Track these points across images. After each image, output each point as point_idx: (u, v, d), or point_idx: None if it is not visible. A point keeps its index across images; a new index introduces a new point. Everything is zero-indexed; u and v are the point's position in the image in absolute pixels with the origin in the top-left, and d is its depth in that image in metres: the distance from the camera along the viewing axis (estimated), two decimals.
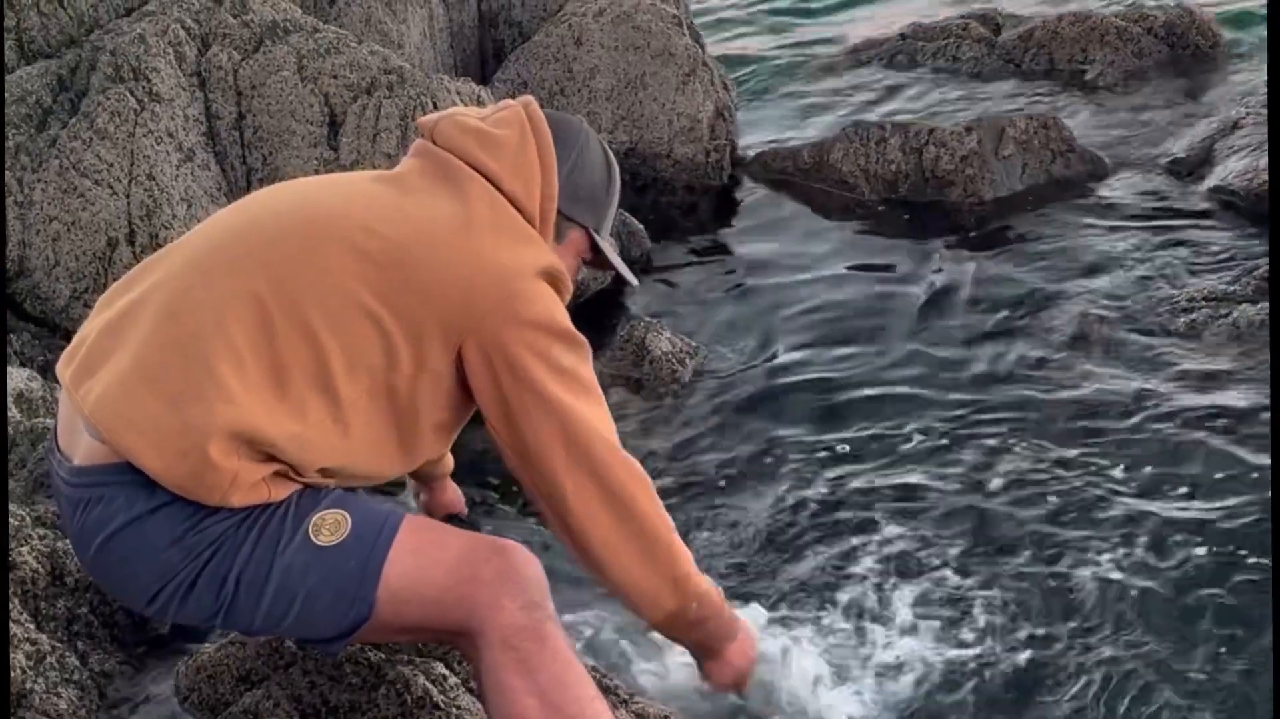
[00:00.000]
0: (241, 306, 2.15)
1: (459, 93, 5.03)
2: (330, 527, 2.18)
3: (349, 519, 2.19)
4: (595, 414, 2.30)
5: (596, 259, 2.54)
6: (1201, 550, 3.31)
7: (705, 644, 2.53)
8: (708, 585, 2.44)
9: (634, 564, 2.34)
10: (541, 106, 2.45)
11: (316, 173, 4.78)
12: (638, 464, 2.35)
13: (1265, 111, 5.90)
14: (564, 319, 2.28)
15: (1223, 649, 3.00)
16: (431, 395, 2.24)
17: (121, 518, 2.13)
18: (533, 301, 2.22)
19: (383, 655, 2.52)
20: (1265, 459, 3.64)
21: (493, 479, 3.61)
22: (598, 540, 2.31)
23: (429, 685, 2.47)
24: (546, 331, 2.23)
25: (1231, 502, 3.49)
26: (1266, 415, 3.83)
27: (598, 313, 4.73)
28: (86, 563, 2.25)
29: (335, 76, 4.93)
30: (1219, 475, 3.61)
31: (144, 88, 4.69)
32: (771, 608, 3.18)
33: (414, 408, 2.24)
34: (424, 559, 2.20)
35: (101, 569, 2.23)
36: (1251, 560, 3.26)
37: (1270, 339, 3.37)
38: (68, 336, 4.25)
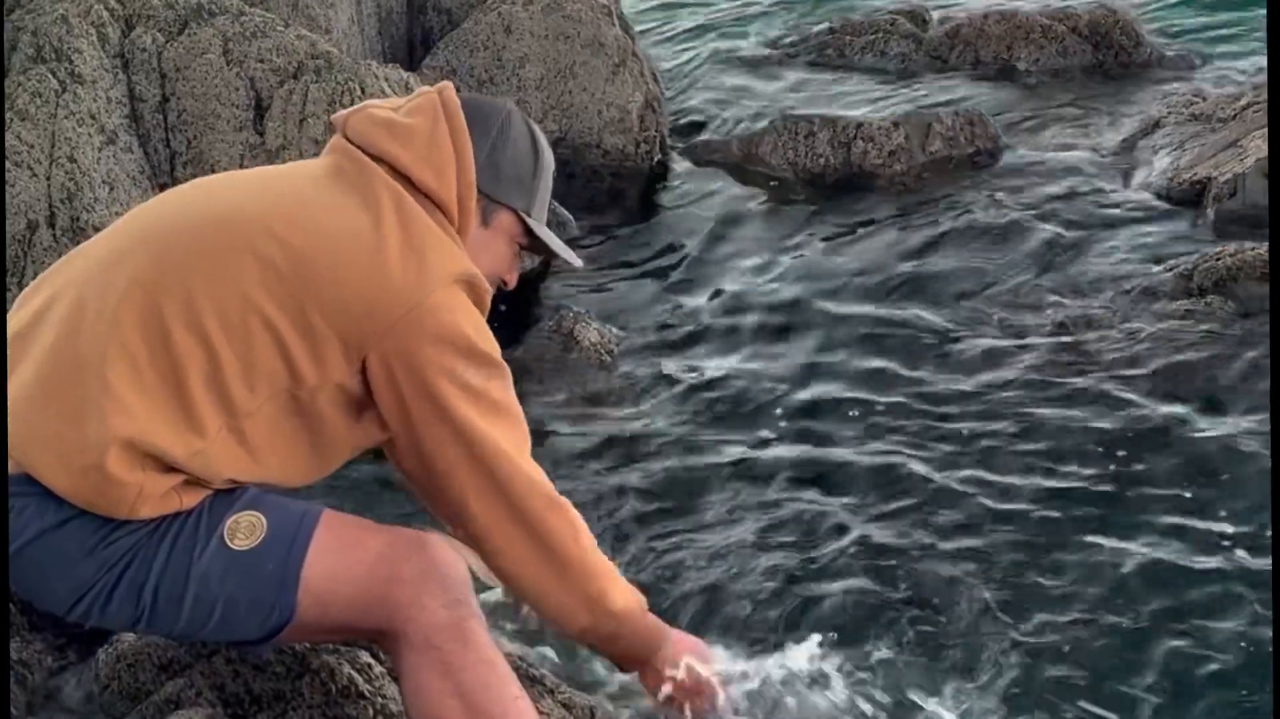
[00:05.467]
0: (138, 318, 2.10)
1: (387, 79, 4.99)
2: (245, 530, 2.14)
3: (264, 521, 2.15)
4: (505, 434, 2.23)
5: (532, 242, 2.47)
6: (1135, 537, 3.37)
7: (627, 657, 2.47)
8: (625, 600, 2.37)
9: (545, 582, 2.29)
10: (462, 92, 2.38)
11: (242, 157, 4.74)
12: (548, 483, 2.29)
13: (1187, 111, 6.00)
14: (474, 334, 2.20)
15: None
16: (339, 406, 2.20)
17: (32, 530, 2.09)
18: (439, 314, 2.15)
19: (307, 644, 2.49)
20: (1169, 453, 3.71)
21: None
22: (508, 559, 2.28)
23: (354, 674, 2.45)
24: (453, 347, 2.16)
25: (1158, 493, 3.56)
26: (1184, 408, 3.90)
27: (525, 300, 4.72)
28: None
29: (262, 60, 4.88)
30: (1139, 468, 3.66)
31: (66, 69, 4.61)
32: (702, 608, 3.19)
33: (322, 417, 2.19)
34: (343, 559, 2.17)
35: (17, 579, 2.18)
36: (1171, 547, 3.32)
37: (1270, 338, 3.42)
38: None
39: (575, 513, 2.34)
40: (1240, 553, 3.26)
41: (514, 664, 2.40)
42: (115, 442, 2.04)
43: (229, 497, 2.17)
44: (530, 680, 2.56)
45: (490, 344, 2.24)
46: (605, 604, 2.33)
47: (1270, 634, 2.93)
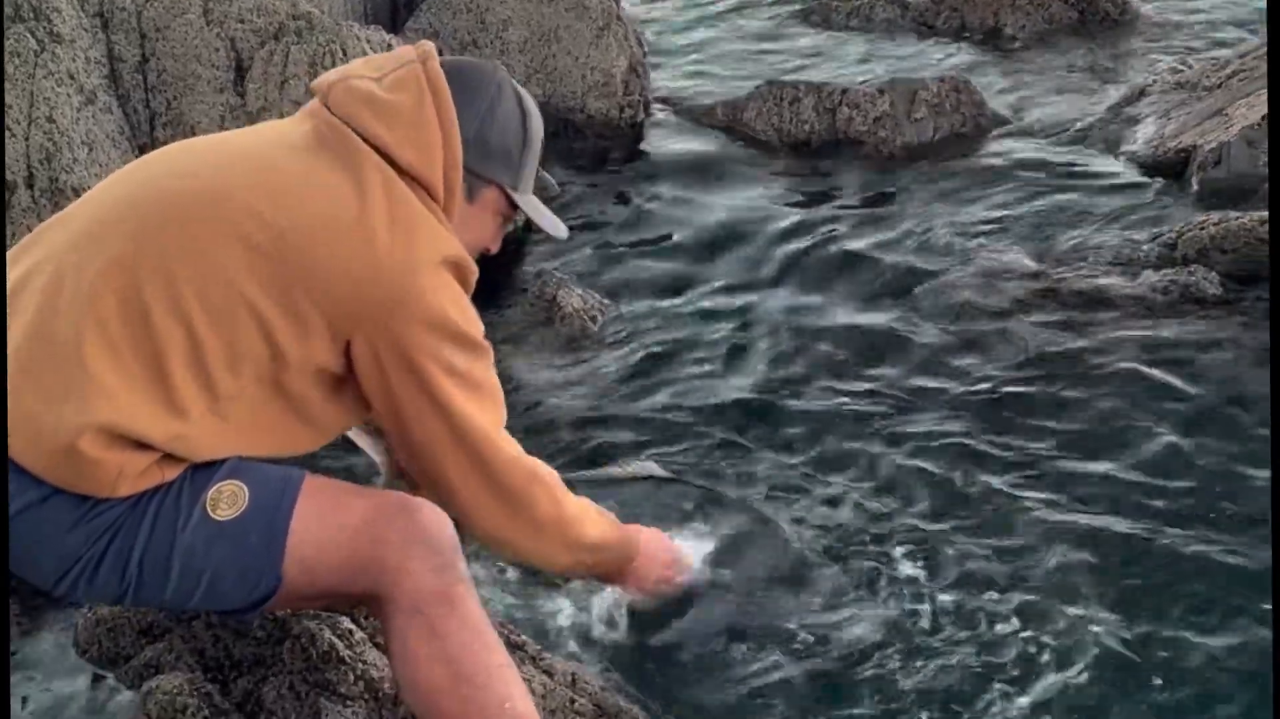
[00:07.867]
0: (116, 297, 2.07)
1: (369, 41, 4.95)
2: (228, 499, 2.12)
3: (246, 490, 2.13)
4: (485, 413, 2.28)
5: (518, 213, 2.45)
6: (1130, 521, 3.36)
7: (607, 574, 2.69)
8: (599, 532, 2.53)
9: (523, 543, 2.44)
10: (445, 56, 2.34)
11: (222, 119, 4.70)
12: (526, 456, 2.37)
13: (1172, 79, 5.99)
14: (459, 317, 2.21)
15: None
16: (322, 386, 2.20)
17: (15, 506, 2.06)
18: (426, 297, 2.15)
19: (288, 609, 2.49)
20: (1153, 422, 3.70)
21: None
22: (489, 528, 2.37)
23: (335, 640, 2.44)
24: (440, 330, 2.17)
25: (1137, 462, 3.53)
26: (1168, 379, 3.89)
27: (507, 265, 4.69)
28: None
29: (242, 21, 4.83)
30: (1123, 437, 3.66)
31: (44, 28, 4.56)
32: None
33: (305, 398, 2.19)
34: (328, 525, 2.16)
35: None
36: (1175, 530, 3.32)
37: (1270, 333, 3.41)
38: None
39: (553, 477, 2.44)
40: (1236, 531, 3.22)
41: (497, 631, 2.40)
42: (92, 424, 2.02)
43: (209, 467, 2.15)
44: (512, 647, 2.56)
45: (475, 326, 2.26)
46: (582, 542, 2.50)
47: (1270, 629, 2.89)
